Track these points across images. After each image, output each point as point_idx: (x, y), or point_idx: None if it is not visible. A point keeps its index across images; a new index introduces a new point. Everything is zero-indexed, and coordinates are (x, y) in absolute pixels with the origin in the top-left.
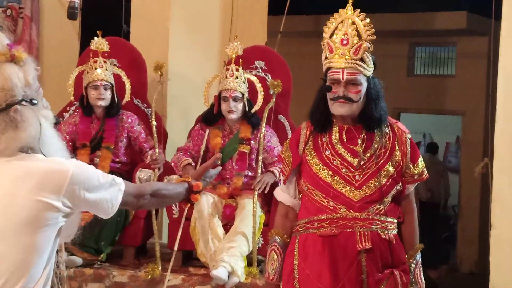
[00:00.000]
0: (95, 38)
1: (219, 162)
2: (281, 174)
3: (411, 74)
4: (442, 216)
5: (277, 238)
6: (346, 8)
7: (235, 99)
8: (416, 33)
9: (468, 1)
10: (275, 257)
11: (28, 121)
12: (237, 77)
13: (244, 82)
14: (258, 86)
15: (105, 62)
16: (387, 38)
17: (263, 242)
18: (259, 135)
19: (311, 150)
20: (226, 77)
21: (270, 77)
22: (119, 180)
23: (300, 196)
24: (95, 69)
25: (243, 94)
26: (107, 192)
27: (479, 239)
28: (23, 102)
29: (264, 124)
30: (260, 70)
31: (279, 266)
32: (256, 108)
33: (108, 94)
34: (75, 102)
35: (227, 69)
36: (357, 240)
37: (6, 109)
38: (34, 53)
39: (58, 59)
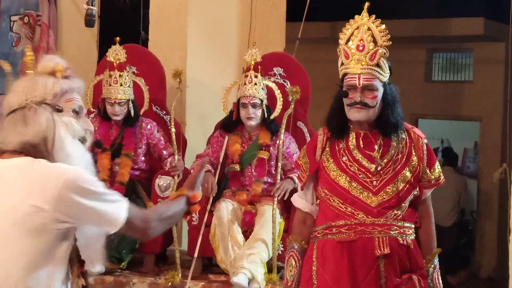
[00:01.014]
0: (112, 46)
1: (206, 166)
2: (298, 180)
3: (428, 80)
4: (460, 222)
5: (295, 244)
6: (361, 15)
7: (254, 105)
8: (433, 39)
9: (485, 7)
10: (294, 263)
11: (38, 121)
12: (255, 84)
13: (263, 88)
14: (277, 92)
15: (120, 75)
16: (405, 44)
17: (283, 249)
18: (278, 141)
19: (328, 156)
20: (245, 84)
21: (288, 84)
22: (124, 198)
23: (318, 202)
24: (109, 85)
25: (262, 101)
26: (109, 206)
27: (498, 245)
28: (43, 105)
29: (283, 130)
30: (279, 77)
31: (297, 272)
32: (275, 114)
33: (123, 109)
34: (94, 110)
35: (246, 76)
36: (376, 246)
37: (25, 107)
38: None
39: (76, 66)
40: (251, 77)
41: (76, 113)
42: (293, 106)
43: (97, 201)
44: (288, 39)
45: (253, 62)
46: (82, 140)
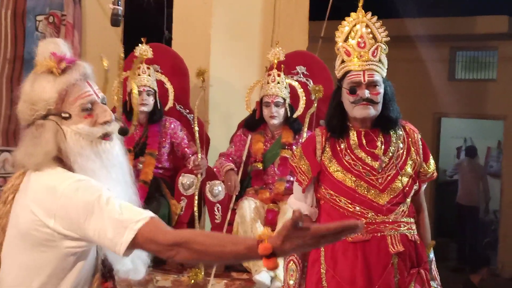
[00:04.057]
0: (139, 45)
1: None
2: (297, 183)
3: (452, 79)
4: (483, 221)
5: None
6: (357, 12)
7: (276, 104)
8: (457, 37)
9: (509, 5)
10: (294, 267)
11: (45, 139)
12: (278, 83)
13: (285, 87)
14: (300, 91)
15: (148, 68)
16: (428, 43)
17: None
18: (300, 140)
19: (329, 156)
20: (268, 83)
21: (311, 82)
22: (139, 218)
23: (319, 203)
24: (138, 75)
25: (284, 100)
26: (112, 227)
27: None
28: (50, 117)
29: (305, 129)
30: (302, 75)
31: (299, 276)
32: (297, 113)
33: (150, 100)
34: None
35: (269, 75)
36: (389, 244)
37: (33, 123)
38: None
39: (100, 66)
40: (274, 76)
41: (87, 110)
42: (316, 104)
43: (99, 222)
44: (311, 38)
45: (276, 61)
46: (104, 136)
